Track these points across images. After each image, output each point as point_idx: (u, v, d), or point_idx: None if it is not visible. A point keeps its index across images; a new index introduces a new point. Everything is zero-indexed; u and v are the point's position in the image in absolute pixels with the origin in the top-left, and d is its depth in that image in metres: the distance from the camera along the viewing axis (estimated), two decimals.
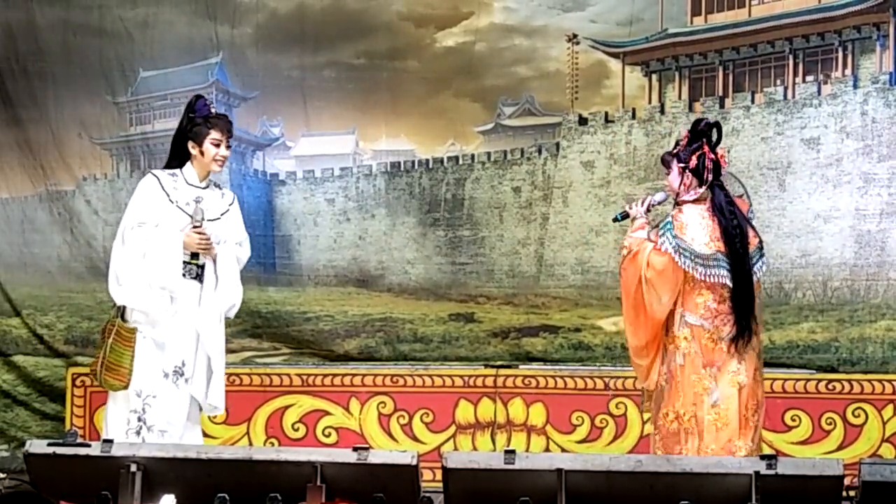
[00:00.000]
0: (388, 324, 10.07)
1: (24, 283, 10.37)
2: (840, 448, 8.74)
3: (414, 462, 5.74)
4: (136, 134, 10.46)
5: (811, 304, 9.51)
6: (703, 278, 6.99)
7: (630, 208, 7.29)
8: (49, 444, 5.85)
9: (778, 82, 9.78)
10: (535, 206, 10.09)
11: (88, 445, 5.84)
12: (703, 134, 7.21)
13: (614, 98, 10.06)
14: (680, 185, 7.18)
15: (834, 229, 9.48)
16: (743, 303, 7.03)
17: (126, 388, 7.02)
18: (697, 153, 7.17)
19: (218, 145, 7.15)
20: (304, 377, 9.12)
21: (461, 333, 9.98)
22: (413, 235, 10.24)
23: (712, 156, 7.18)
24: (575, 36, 10.01)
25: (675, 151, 7.25)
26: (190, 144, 7.18)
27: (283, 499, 5.66)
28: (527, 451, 8.73)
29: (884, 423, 8.76)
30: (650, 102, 10.02)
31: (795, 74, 9.74)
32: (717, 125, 7.28)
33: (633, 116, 9.98)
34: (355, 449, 5.77)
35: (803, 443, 8.78)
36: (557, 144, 10.10)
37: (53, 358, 10.08)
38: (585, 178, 10.02)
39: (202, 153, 7.15)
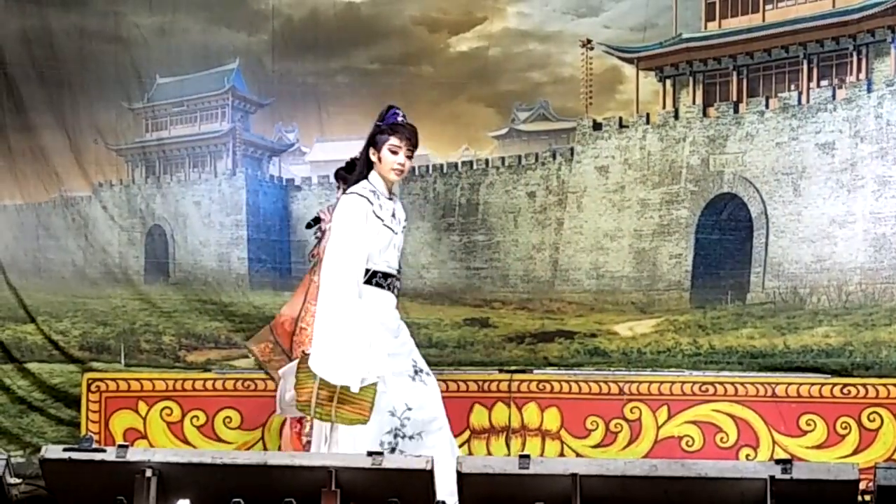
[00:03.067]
0: None
1: (39, 289, 10.39)
2: (855, 452, 8.72)
3: (429, 467, 5.74)
4: (153, 140, 10.49)
5: (826, 309, 9.49)
6: None
7: (322, 214, 7.92)
8: (65, 450, 5.85)
9: (792, 87, 9.77)
10: (549, 211, 10.10)
11: (104, 451, 5.85)
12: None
13: (628, 103, 10.06)
14: None
15: (849, 234, 9.47)
16: None
17: (365, 422, 6.66)
18: None
19: (396, 152, 6.88)
20: None
21: (476, 338, 9.99)
22: (428, 240, 10.25)
23: None
24: (589, 41, 10.01)
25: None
26: (370, 151, 6.93)
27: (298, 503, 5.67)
28: (541, 455, 8.72)
29: None
30: (664, 107, 10.02)
31: (810, 79, 9.74)
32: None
33: (648, 121, 9.98)
34: (370, 454, 5.78)
35: (818, 447, 8.76)
36: (572, 149, 10.11)
37: (68, 364, 10.10)
38: (600, 183, 10.02)
39: (380, 160, 6.90)
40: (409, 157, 6.94)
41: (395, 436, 6.81)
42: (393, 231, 6.95)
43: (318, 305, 6.84)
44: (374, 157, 6.93)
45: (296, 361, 6.89)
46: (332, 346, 6.64)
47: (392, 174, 6.92)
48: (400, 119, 6.97)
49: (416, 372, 6.98)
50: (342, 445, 6.73)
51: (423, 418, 6.88)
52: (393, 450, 6.75)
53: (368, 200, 6.87)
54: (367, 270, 6.86)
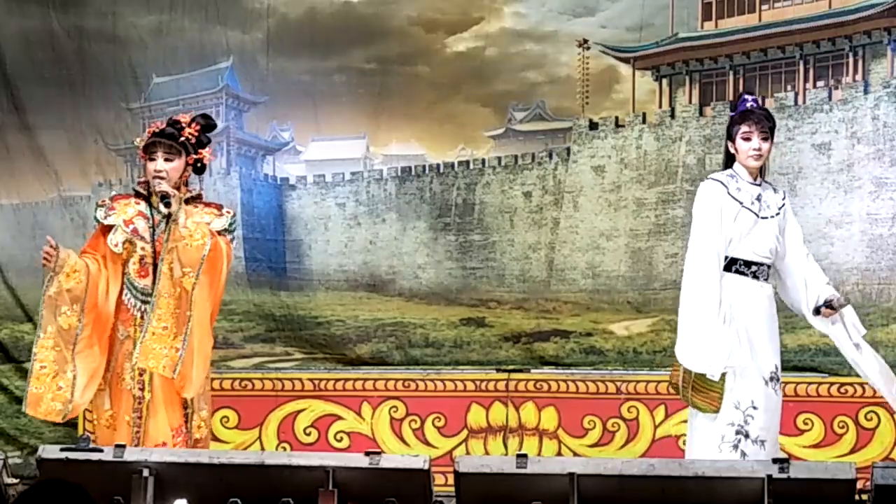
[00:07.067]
0: (399, 328, 10.07)
1: (36, 288, 10.34)
2: (852, 451, 8.73)
3: (426, 466, 5.75)
4: None
5: None
6: None
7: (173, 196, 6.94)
8: (62, 450, 5.86)
9: (789, 87, 9.78)
10: (545, 211, 10.10)
11: (101, 451, 5.85)
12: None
13: (625, 103, 10.07)
14: None
15: (845, 234, 9.47)
16: None
17: (717, 412, 6.72)
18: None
19: (749, 139, 6.87)
20: (316, 382, 9.12)
21: (472, 338, 9.99)
22: (424, 240, 10.25)
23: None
24: (585, 41, 10.01)
25: None
26: (728, 143, 6.96)
27: (295, 503, 5.67)
28: (539, 455, 8.73)
29: None
30: (660, 107, 10.02)
31: (806, 80, 9.74)
32: (205, 116, 7.19)
33: (644, 121, 9.98)
34: (367, 453, 5.78)
35: (816, 446, 8.77)
36: (568, 149, 10.11)
37: None
38: (596, 182, 10.02)
39: (737, 150, 6.92)
40: (765, 140, 6.90)
41: (738, 433, 6.77)
42: (757, 215, 6.89)
43: (682, 292, 6.82)
44: (732, 149, 6.95)
45: None
46: (693, 335, 6.70)
47: (750, 161, 6.91)
48: (749, 105, 6.96)
49: (771, 378, 6.91)
50: (693, 432, 6.86)
51: (767, 425, 6.84)
52: (735, 447, 6.75)
53: (722, 183, 6.87)
54: (727, 257, 6.83)
